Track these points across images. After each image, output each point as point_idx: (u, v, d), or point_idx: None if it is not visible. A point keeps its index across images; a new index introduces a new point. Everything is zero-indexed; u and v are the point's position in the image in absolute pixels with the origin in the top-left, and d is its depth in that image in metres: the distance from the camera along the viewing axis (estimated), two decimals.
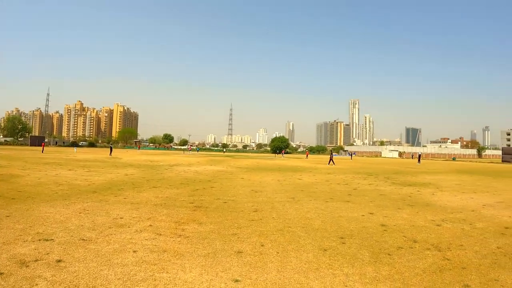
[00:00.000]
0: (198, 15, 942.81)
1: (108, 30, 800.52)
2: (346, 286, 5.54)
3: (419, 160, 65.98)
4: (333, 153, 76.04)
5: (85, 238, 7.44)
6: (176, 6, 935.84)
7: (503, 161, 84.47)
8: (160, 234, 8.03)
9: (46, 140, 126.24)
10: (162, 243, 7.31)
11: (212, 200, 13.16)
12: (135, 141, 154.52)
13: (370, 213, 11.81)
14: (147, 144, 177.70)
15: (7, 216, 9.30)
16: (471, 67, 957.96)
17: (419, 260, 7.01)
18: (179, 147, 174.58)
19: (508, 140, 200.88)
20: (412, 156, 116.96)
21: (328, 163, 47.87)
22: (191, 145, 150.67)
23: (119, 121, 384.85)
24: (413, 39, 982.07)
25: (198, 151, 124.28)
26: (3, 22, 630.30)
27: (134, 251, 6.67)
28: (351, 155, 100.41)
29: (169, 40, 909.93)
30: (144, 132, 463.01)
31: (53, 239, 7.28)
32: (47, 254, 6.36)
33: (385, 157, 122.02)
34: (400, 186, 20.94)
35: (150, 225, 8.91)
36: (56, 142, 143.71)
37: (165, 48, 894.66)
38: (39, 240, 7.21)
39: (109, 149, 63.52)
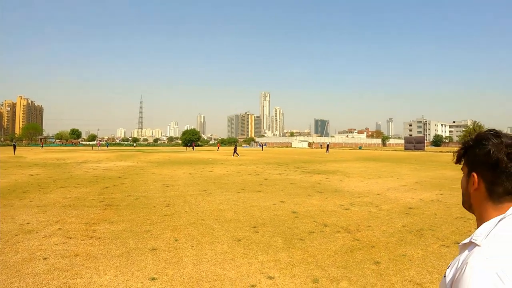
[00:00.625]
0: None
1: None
2: (262, 273, 5.67)
3: (327, 150, 68.58)
4: (244, 145, 76.69)
5: None
6: None
7: (406, 149, 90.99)
8: (71, 238, 7.72)
9: None
10: (74, 247, 7.02)
11: (123, 197, 12.87)
12: (40, 138, 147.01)
13: (282, 202, 12.12)
14: (53, 140, 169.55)
15: None
16: (375, 65, 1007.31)
17: (331, 243, 7.34)
18: (88, 143, 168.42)
19: (410, 130, 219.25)
20: (321, 146, 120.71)
21: (233, 155, 48.29)
22: (100, 141, 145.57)
23: (23, 116, 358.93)
24: (327, 33, 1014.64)
25: (107, 146, 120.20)
26: None
27: (45, 259, 6.35)
28: (262, 146, 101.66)
29: (71, 31, 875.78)
30: (50, 127, 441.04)
31: None
32: None
33: (295, 148, 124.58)
34: (310, 175, 21.63)
35: (60, 228, 8.55)
36: None
37: (70, 39, 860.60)
38: None
39: (12, 148, 60.11)
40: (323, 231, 8.30)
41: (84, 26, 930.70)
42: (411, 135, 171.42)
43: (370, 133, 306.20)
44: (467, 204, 1.41)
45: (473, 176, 1.35)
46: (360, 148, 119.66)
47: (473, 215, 1.40)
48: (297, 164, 31.13)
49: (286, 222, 9.14)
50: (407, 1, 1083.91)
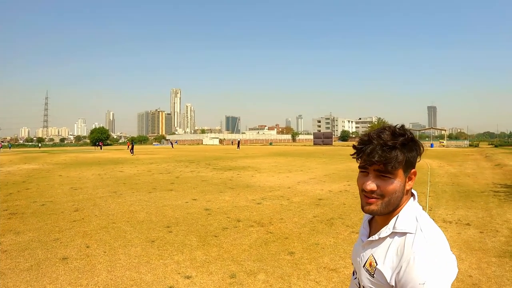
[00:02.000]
0: None
1: None
2: (179, 273, 5.67)
3: (238, 146, 69.54)
4: (154, 143, 76.02)
5: None
6: None
7: (315, 144, 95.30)
8: None
9: None
10: None
11: (29, 204, 12.22)
12: None
13: (194, 199, 12.14)
14: None
15: None
16: (285, 63, 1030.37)
17: (245, 237, 7.49)
18: None
19: (319, 126, 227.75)
20: (232, 142, 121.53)
21: (131, 153, 49.04)
22: (1, 141, 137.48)
23: None
24: (237, 30, 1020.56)
25: (10, 148, 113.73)
26: None
27: None
28: (172, 144, 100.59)
29: None
30: None
31: None
32: None
33: (206, 145, 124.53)
34: (221, 171, 21.78)
35: None
36: None
37: None
38: None
39: None
40: (236, 227, 8.43)
41: None
42: (319, 131, 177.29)
43: (280, 129, 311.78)
44: (394, 205, 1.42)
45: (415, 173, 1.46)
46: (271, 144, 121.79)
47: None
48: (209, 161, 31.22)
49: (200, 220, 9.18)
50: None
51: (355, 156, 1.49)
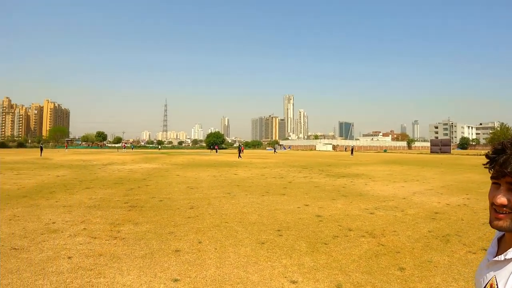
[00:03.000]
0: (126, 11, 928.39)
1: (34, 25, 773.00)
2: (285, 277, 5.61)
3: (352, 153, 68.06)
4: (268, 148, 76.93)
5: (16, 247, 7.06)
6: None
7: (431, 152, 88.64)
8: (95, 238, 7.79)
9: None
10: (98, 247, 7.08)
11: (148, 199, 12.94)
12: (66, 140, 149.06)
13: (306, 205, 12.02)
14: (80, 143, 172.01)
15: None
16: (401, 67, 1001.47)
17: (355, 247, 7.22)
18: (113, 145, 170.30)
19: (436, 132, 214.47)
20: (346, 149, 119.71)
21: (238, 157, 49.83)
22: (125, 143, 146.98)
23: (50, 119, 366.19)
24: (344, 41, 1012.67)
25: (132, 148, 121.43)
26: None
27: (69, 257, 6.41)
28: (274, 149, 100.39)
29: (96, 36, 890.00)
30: (76, 130, 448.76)
31: None
32: None
33: (319, 151, 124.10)
34: (334, 178, 21.44)
35: (84, 228, 8.63)
36: None
37: (91, 44, 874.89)
38: None
39: (39, 150, 61.19)
40: (347, 236, 8.18)
41: (108, 34, 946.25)
42: (437, 137, 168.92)
43: (395, 135, 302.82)
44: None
45: None
46: (385, 151, 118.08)
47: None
48: (322, 167, 30.91)
49: (310, 226, 9.05)
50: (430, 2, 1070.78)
51: (487, 166, 1.35)
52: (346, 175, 23.29)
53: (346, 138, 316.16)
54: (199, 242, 7.45)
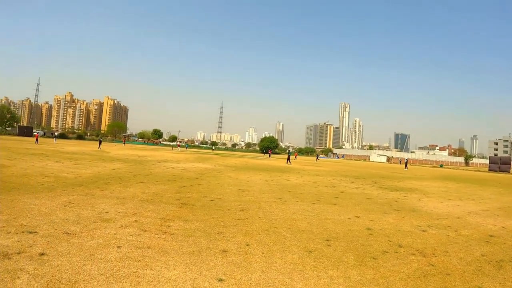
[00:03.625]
0: (189, 14, 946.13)
1: (101, 24, 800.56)
2: None
3: (406, 166, 66.35)
4: (321, 156, 76.24)
5: (69, 232, 7.33)
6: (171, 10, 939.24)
7: (490, 170, 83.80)
8: (145, 230, 7.95)
9: (38, 131, 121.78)
10: (147, 240, 7.23)
11: (199, 198, 13.08)
12: (123, 135, 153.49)
13: (357, 217, 11.80)
14: (136, 139, 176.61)
15: None
16: (462, 81, 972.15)
17: (404, 265, 7.01)
18: (168, 143, 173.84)
19: (496, 149, 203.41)
20: (400, 161, 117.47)
21: (286, 162, 49.50)
22: (180, 142, 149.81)
23: (109, 115, 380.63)
24: (406, 52, 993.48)
25: (187, 147, 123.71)
26: None
27: (118, 247, 6.58)
28: (317, 157, 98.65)
29: (161, 38, 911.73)
30: (133, 126, 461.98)
31: (36, 232, 7.17)
32: (30, 247, 6.25)
33: (373, 161, 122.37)
34: (387, 191, 20.99)
35: (136, 220, 8.82)
36: (44, 133, 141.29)
37: (157, 45, 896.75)
38: (23, 232, 7.09)
39: (97, 143, 63.28)
40: (397, 252, 7.96)
41: (168, 35, 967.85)
42: (496, 154, 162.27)
43: (452, 150, 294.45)
44: None
45: None
46: (441, 166, 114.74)
47: None
48: (375, 179, 30.33)
49: (360, 239, 8.87)
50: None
51: None
52: (399, 189, 22.75)
53: (401, 150, 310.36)
54: (247, 245, 7.45)
